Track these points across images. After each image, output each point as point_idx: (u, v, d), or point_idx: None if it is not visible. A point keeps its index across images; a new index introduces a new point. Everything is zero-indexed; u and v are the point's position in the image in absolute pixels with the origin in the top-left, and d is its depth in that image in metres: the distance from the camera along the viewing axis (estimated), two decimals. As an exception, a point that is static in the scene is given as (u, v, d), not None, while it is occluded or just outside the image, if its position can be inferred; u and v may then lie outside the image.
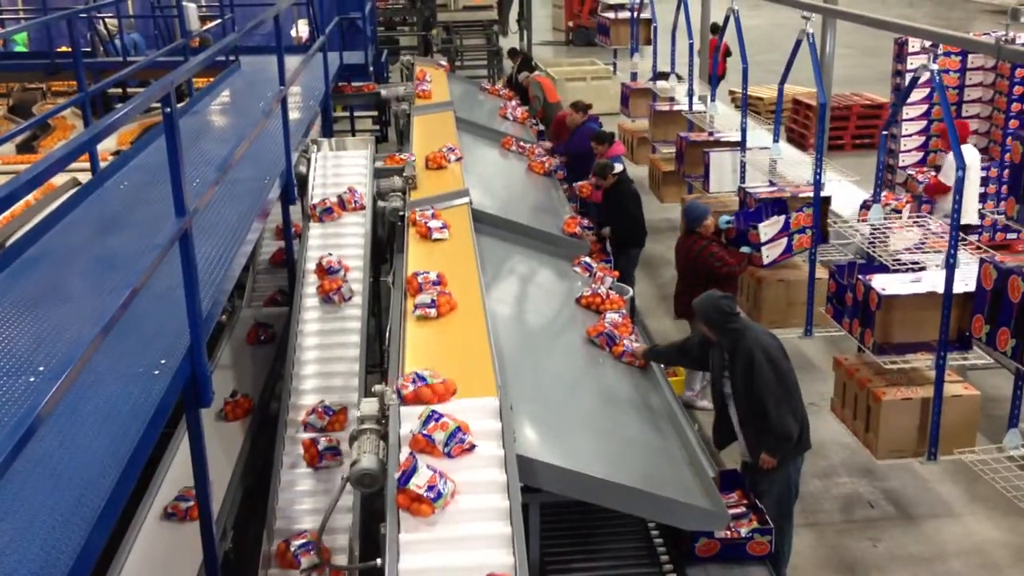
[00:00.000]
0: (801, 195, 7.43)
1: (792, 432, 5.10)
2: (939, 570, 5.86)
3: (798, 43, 7.21)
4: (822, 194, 7.15)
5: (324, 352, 5.37)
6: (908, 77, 10.28)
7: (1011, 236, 10.23)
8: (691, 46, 10.69)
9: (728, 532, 4.44)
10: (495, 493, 3.46)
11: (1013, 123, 9.71)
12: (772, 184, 8.15)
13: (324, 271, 5.76)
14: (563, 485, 3.94)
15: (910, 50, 10.24)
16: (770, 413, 5.05)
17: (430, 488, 3.35)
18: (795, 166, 8.35)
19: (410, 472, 3.36)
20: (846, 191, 7.66)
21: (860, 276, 5.80)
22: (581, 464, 4.01)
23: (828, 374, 7.50)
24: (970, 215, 8.67)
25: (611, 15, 14.67)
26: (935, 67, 5.54)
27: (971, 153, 8.67)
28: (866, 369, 5.88)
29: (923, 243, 6.39)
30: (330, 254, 5.88)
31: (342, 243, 6.13)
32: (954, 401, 5.53)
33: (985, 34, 8.98)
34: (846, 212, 7.28)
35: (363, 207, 6.41)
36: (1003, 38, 5.17)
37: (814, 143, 9.42)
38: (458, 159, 7.29)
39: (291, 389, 5.15)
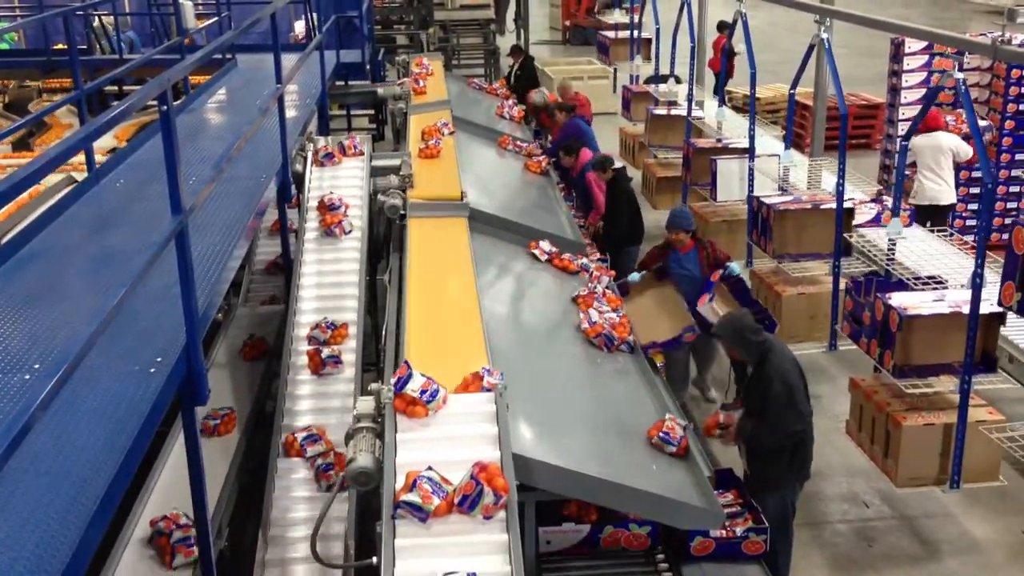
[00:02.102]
0: (822, 205, 7.05)
1: (763, 447, 5.16)
2: (935, 570, 5.87)
3: (811, 48, 7.06)
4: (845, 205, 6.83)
5: (324, 278, 5.85)
6: (904, 78, 10.33)
7: (1007, 236, 10.23)
8: (692, 49, 10.37)
9: (723, 531, 4.45)
10: (483, 392, 3.87)
11: (1009, 124, 9.73)
12: (784, 192, 7.80)
13: (326, 208, 6.24)
14: (559, 484, 3.95)
15: (906, 50, 10.25)
16: (765, 426, 5.12)
17: (423, 392, 3.73)
18: (804, 172, 8.14)
19: (405, 379, 3.73)
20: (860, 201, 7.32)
21: (879, 294, 5.50)
22: (577, 463, 4.02)
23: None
24: (948, 195, 8.74)
25: (611, 34, 14.06)
26: (960, 76, 5.34)
27: (945, 139, 8.73)
28: (884, 391, 5.61)
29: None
30: (331, 192, 6.38)
31: (341, 184, 6.62)
32: (978, 427, 5.25)
33: (981, 35, 9.00)
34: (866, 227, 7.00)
35: (363, 153, 6.88)
36: (999, 39, 5.18)
37: (811, 143, 9.40)
38: (451, 133, 7.88)
39: (296, 309, 5.57)
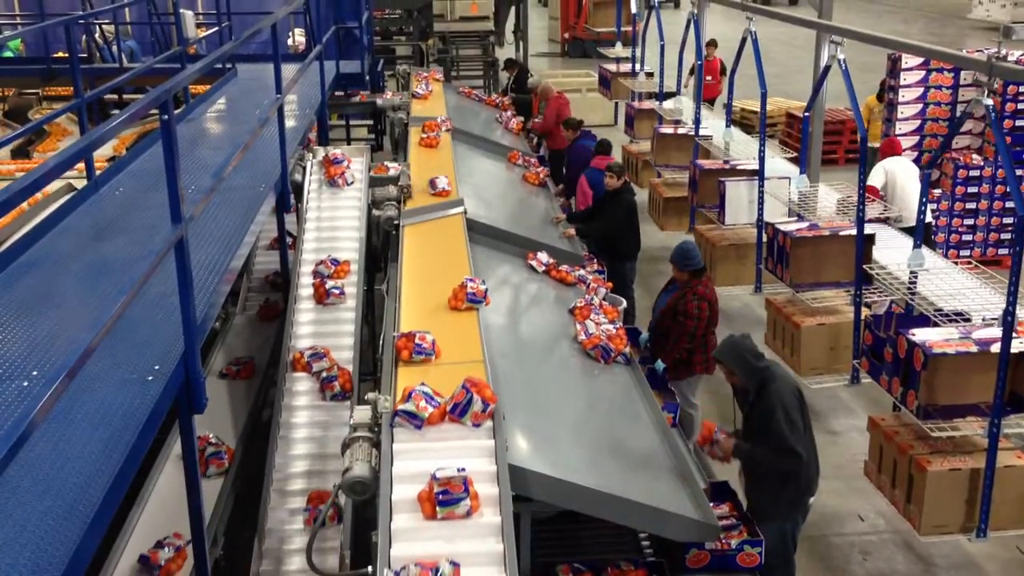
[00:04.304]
0: (840, 232, 6.71)
1: (760, 473, 5.00)
2: (928, 584, 5.87)
3: (827, 68, 6.91)
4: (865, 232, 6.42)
5: (326, 223, 6.46)
6: (901, 93, 10.39)
7: (1002, 252, 10.29)
8: (700, 67, 10.11)
9: (719, 543, 4.45)
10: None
11: (1006, 139, 9.77)
12: (799, 218, 7.46)
13: (330, 162, 6.90)
14: (554, 495, 3.95)
15: (903, 66, 10.31)
16: (765, 452, 4.95)
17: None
18: (822, 198, 7.77)
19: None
20: (874, 229, 6.90)
21: (901, 330, 5.20)
22: (572, 474, 4.02)
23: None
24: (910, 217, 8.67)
25: (612, 67, 13.60)
26: (989, 102, 5.17)
27: (901, 163, 8.75)
28: (906, 432, 5.30)
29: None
30: (334, 149, 7.13)
31: (339, 147, 7.35)
32: (1007, 472, 4.97)
33: (978, 51, 9.05)
34: (883, 257, 6.72)
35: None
36: (995, 55, 5.17)
37: (808, 162, 9.33)
38: (448, 130, 8.56)
39: (302, 249, 6.14)
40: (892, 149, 9.00)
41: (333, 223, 6.50)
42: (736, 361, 5.10)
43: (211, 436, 5.19)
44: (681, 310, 6.53)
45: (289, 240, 7.04)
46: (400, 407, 3.70)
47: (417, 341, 4.40)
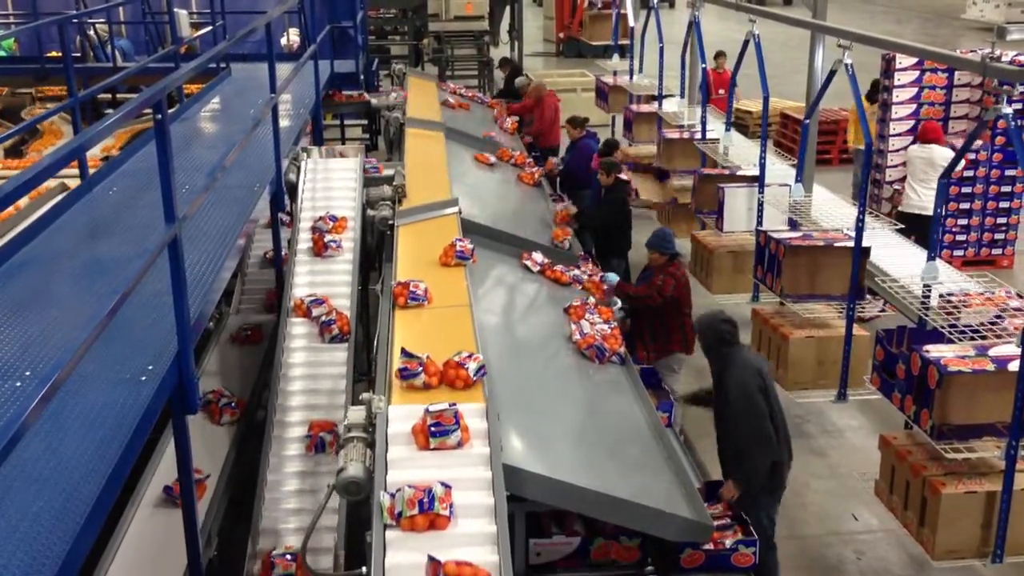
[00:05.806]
0: (836, 243, 6.49)
1: (759, 470, 5.08)
2: (922, 583, 5.88)
3: (832, 73, 6.86)
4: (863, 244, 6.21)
5: (325, 182, 6.86)
6: (895, 93, 10.39)
7: (996, 252, 10.32)
8: (704, 70, 9.95)
9: (713, 543, 4.45)
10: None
11: (1000, 139, 9.81)
12: (793, 225, 7.33)
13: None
14: (548, 494, 3.95)
15: (897, 66, 10.32)
16: (743, 450, 5.11)
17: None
18: (819, 206, 7.54)
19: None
20: (882, 240, 6.82)
21: (915, 347, 5.01)
22: (566, 473, 4.02)
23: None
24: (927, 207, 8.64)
25: (609, 80, 13.25)
26: (1009, 111, 4.98)
27: (939, 152, 8.91)
28: (919, 452, 5.10)
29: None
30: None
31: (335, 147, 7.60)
32: None
33: (972, 51, 9.06)
34: (888, 268, 6.56)
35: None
36: (989, 56, 5.16)
37: (803, 167, 9.30)
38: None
39: (300, 207, 6.47)
40: (924, 135, 9.13)
41: (329, 183, 6.81)
42: (706, 335, 5.43)
43: (224, 390, 5.67)
44: (657, 288, 6.86)
45: (286, 219, 7.18)
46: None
47: (412, 288, 5.03)
